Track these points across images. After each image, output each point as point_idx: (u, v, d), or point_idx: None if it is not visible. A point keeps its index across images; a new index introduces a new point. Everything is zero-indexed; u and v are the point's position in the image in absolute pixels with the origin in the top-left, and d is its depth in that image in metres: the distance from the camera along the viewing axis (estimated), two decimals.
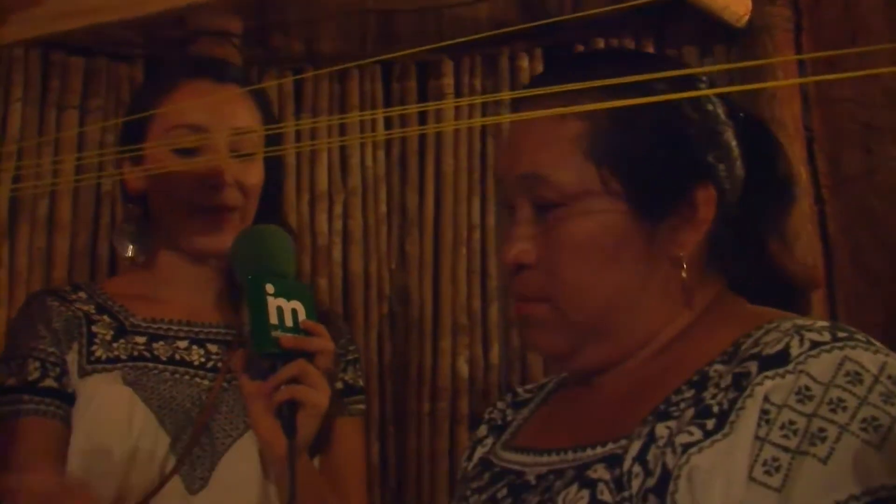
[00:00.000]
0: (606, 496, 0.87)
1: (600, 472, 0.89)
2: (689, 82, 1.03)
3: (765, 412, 0.83)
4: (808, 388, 0.84)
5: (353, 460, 1.55)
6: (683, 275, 0.99)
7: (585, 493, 0.88)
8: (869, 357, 0.87)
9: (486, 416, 1.18)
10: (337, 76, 2.86)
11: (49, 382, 1.47)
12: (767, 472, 0.80)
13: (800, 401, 0.84)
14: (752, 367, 0.87)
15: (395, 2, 2.93)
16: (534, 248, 1.01)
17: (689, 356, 0.94)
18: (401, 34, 2.90)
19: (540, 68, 2.75)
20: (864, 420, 0.82)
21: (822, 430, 0.82)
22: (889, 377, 0.85)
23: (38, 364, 1.47)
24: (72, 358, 1.46)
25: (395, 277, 2.73)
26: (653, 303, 0.99)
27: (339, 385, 1.57)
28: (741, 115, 1.07)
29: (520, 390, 1.21)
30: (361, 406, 1.56)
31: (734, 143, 1.03)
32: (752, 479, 0.81)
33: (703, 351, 0.93)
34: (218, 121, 1.49)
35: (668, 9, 2.42)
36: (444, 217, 2.72)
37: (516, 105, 1.09)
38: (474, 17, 2.88)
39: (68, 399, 1.47)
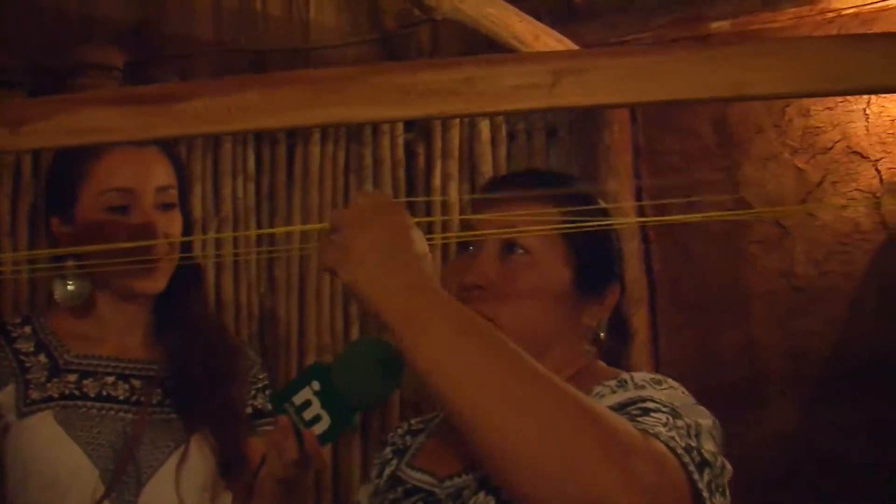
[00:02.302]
0: (505, 496, 1.12)
1: None
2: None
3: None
4: (625, 382, 1.17)
5: None
6: (585, 341, 1.30)
7: (492, 498, 1.13)
8: (672, 381, 1.19)
9: (390, 440, 1.40)
10: None
11: None
12: None
13: (619, 384, 1.16)
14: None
15: (267, 42, 3.12)
16: (492, 275, 1.24)
17: None
18: (271, 72, 3.07)
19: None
20: (656, 386, 1.15)
21: (626, 389, 1.15)
22: (681, 389, 1.17)
23: None
24: (4, 398, 1.58)
25: (264, 300, 2.90)
26: (563, 349, 1.25)
27: (249, 410, 1.71)
28: None
29: (413, 421, 1.43)
30: (268, 427, 1.70)
31: None
32: None
33: None
34: (143, 182, 1.61)
35: None
36: (311, 244, 2.91)
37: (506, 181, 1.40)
38: (341, 59, 3.09)
39: None
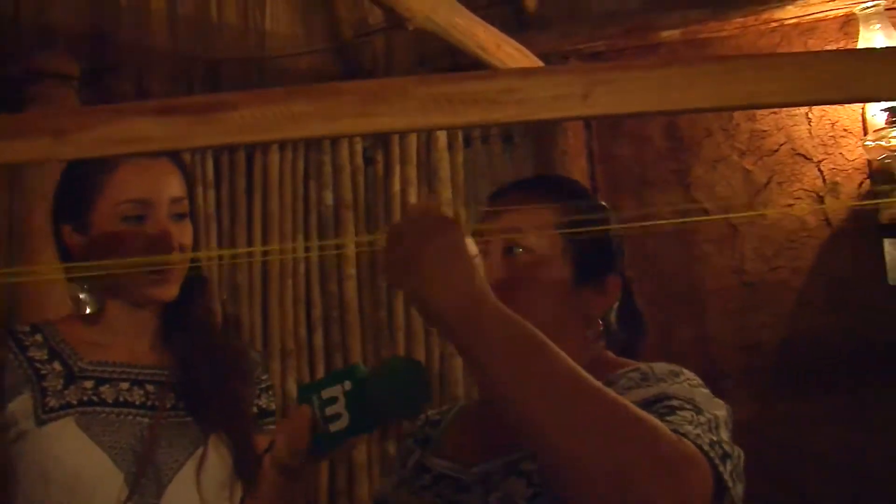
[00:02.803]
0: (538, 478, 1.19)
1: (529, 464, 1.21)
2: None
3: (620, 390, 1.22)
4: (647, 374, 1.22)
5: None
6: (590, 332, 1.35)
7: (522, 480, 1.21)
8: (689, 373, 1.25)
9: (412, 434, 1.47)
10: None
11: None
12: None
13: (642, 376, 1.21)
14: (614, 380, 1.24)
15: (221, 51, 3.15)
16: (499, 275, 1.32)
17: None
18: (226, 80, 3.12)
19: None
20: (675, 378, 1.20)
21: (647, 382, 1.20)
22: (698, 381, 1.23)
23: None
24: (15, 408, 1.59)
25: (227, 307, 2.94)
26: (572, 339, 1.31)
27: (255, 409, 1.73)
28: None
29: (430, 413, 1.50)
30: (272, 426, 1.75)
31: None
32: None
33: None
34: (159, 193, 1.63)
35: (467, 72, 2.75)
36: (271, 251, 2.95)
37: (507, 189, 1.44)
38: (295, 68, 3.14)
39: None
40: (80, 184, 1.63)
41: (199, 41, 3.12)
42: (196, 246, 1.70)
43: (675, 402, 1.14)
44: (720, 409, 1.19)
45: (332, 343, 2.92)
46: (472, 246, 1.14)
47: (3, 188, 2.73)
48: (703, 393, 1.21)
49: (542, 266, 1.34)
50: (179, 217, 1.65)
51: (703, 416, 1.13)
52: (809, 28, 2.65)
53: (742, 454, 1.20)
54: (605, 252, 1.39)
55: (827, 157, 2.61)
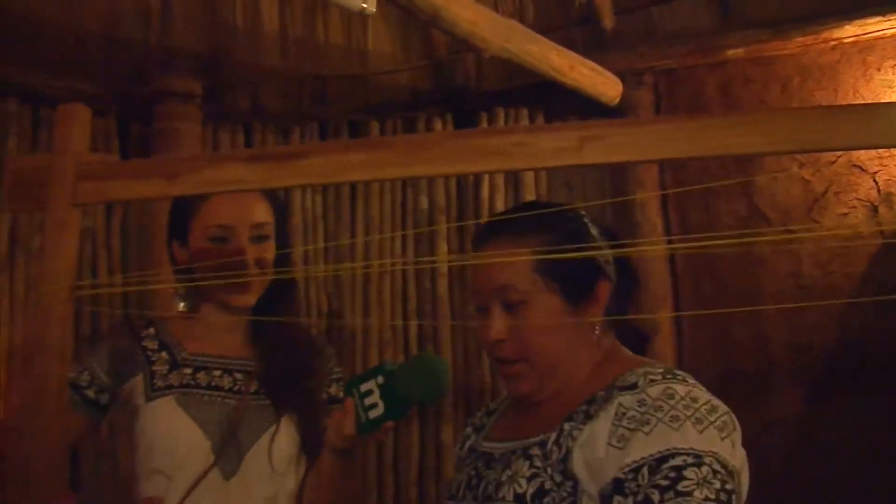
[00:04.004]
0: (538, 462, 1.44)
1: (535, 450, 1.46)
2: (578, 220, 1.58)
3: (618, 412, 1.41)
4: (644, 401, 1.40)
5: None
6: (597, 332, 1.53)
7: (527, 462, 1.46)
8: (681, 387, 1.41)
9: (471, 422, 1.75)
10: (281, 131, 3.37)
11: (89, 391, 1.97)
12: (617, 441, 1.37)
13: (640, 405, 1.40)
14: (616, 392, 1.44)
15: (328, 68, 3.46)
16: (506, 329, 1.52)
17: (589, 386, 1.49)
18: (333, 96, 3.44)
19: (451, 130, 3.26)
20: (671, 416, 1.37)
21: (648, 420, 1.37)
22: (690, 397, 1.39)
23: (88, 376, 1.96)
24: (132, 386, 1.95)
25: (332, 300, 3.26)
26: (582, 351, 1.53)
27: (325, 396, 2.04)
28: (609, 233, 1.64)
29: (490, 404, 1.77)
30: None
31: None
32: (608, 445, 1.39)
33: (597, 383, 1.48)
34: (241, 220, 1.95)
35: (555, 86, 2.96)
36: (372, 250, 3.26)
37: (483, 238, 1.58)
38: (394, 83, 3.44)
39: (97, 407, 1.98)
40: (183, 209, 1.98)
41: (307, 59, 3.43)
42: (283, 259, 2.03)
43: (678, 462, 1.30)
44: (721, 431, 1.36)
45: (425, 334, 3.22)
46: None
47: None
48: (698, 417, 1.36)
49: (537, 309, 1.51)
50: (260, 239, 1.98)
51: (704, 466, 1.30)
52: (868, 46, 2.81)
53: (745, 456, 1.39)
54: (583, 267, 1.52)
55: (882, 168, 2.77)
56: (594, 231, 1.57)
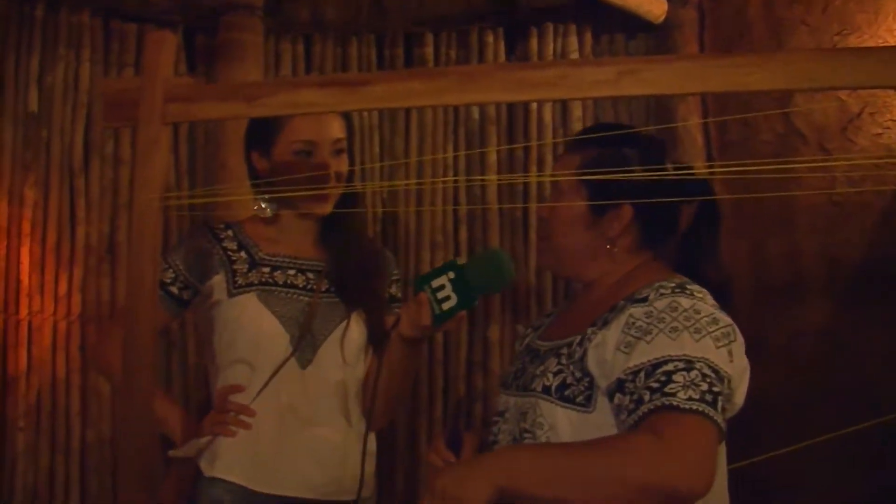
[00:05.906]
0: (564, 360, 1.64)
1: (564, 349, 1.66)
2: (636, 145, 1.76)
3: (628, 322, 1.59)
4: (651, 313, 1.58)
5: None
6: (615, 249, 1.74)
7: (556, 359, 1.66)
8: (686, 300, 1.59)
9: (532, 323, 1.97)
10: (340, 42, 3.50)
11: (173, 288, 2.18)
12: (624, 347, 1.57)
13: (647, 316, 1.58)
14: (630, 304, 1.62)
15: None
16: (545, 211, 1.80)
17: (614, 295, 1.69)
18: (390, 8, 3.50)
19: (502, 44, 3.38)
20: (671, 328, 1.55)
21: (650, 330, 1.54)
22: (693, 310, 1.57)
23: (172, 274, 2.17)
24: (214, 283, 2.15)
25: (386, 205, 3.44)
26: (598, 256, 1.72)
27: (387, 295, 2.29)
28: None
29: (552, 310, 1.98)
30: (399, 309, 2.15)
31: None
32: (617, 350, 1.58)
33: (621, 293, 1.67)
34: (323, 136, 2.15)
35: (602, 4, 3.10)
36: (425, 159, 3.41)
37: (566, 146, 1.84)
38: None
39: (180, 302, 2.19)
40: (267, 124, 2.17)
41: None
42: (351, 169, 2.21)
43: (670, 367, 1.49)
44: (716, 340, 1.53)
45: (474, 237, 3.38)
46: None
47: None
48: (695, 329, 1.53)
49: (565, 200, 1.76)
50: (338, 153, 2.18)
51: (693, 370, 1.48)
52: None
53: (747, 367, 1.58)
54: (614, 187, 1.70)
55: None
56: (634, 159, 1.73)
